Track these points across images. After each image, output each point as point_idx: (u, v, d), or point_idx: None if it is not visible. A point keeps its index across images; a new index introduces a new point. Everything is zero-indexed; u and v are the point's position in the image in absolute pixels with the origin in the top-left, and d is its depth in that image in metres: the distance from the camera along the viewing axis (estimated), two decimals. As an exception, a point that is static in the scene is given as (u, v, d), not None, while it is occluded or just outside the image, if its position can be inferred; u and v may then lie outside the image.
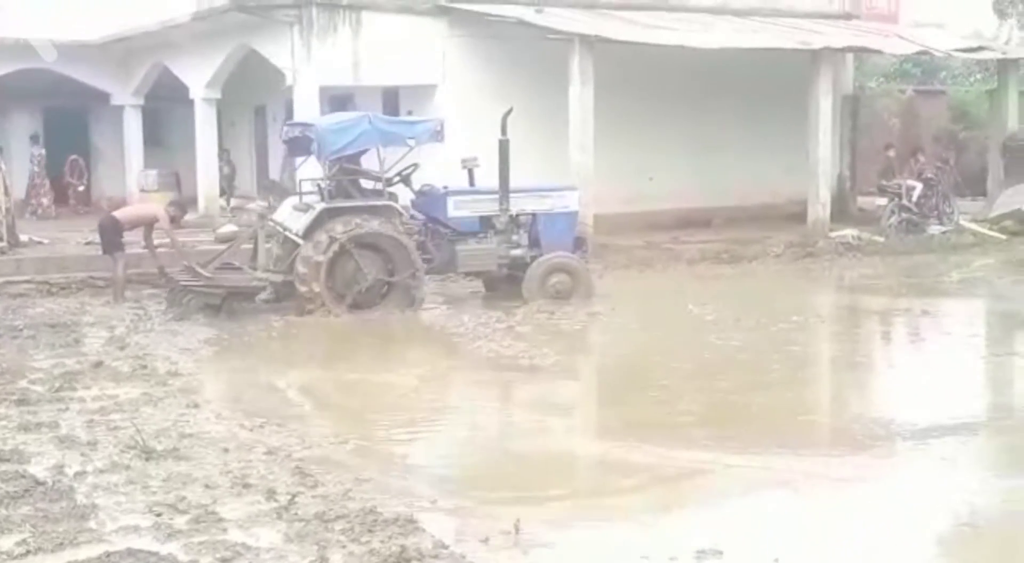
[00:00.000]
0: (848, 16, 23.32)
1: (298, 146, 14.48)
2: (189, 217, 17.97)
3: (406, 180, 14.28)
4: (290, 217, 13.83)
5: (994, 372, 11.15)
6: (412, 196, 14.53)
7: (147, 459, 7.39)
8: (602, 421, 9.60)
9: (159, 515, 6.30)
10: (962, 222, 20.55)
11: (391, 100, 21.46)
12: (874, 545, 6.18)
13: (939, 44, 22.32)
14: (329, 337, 12.74)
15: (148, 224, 14.72)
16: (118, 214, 14.82)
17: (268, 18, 19.08)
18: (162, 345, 11.83)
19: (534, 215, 14.71)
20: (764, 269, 17.57)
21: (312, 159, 14.00)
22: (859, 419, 9.18)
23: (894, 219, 20.52)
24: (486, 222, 14.49)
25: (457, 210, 14.38)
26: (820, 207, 20.16)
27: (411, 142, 13.89)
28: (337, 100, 22.60)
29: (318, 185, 13.92)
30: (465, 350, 11.89)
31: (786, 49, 19.92)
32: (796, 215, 20.60)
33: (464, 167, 14.70)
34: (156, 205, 14.46)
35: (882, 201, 21.60)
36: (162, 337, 12.32)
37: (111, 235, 14.57)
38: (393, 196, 13.99)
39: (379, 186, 13.98)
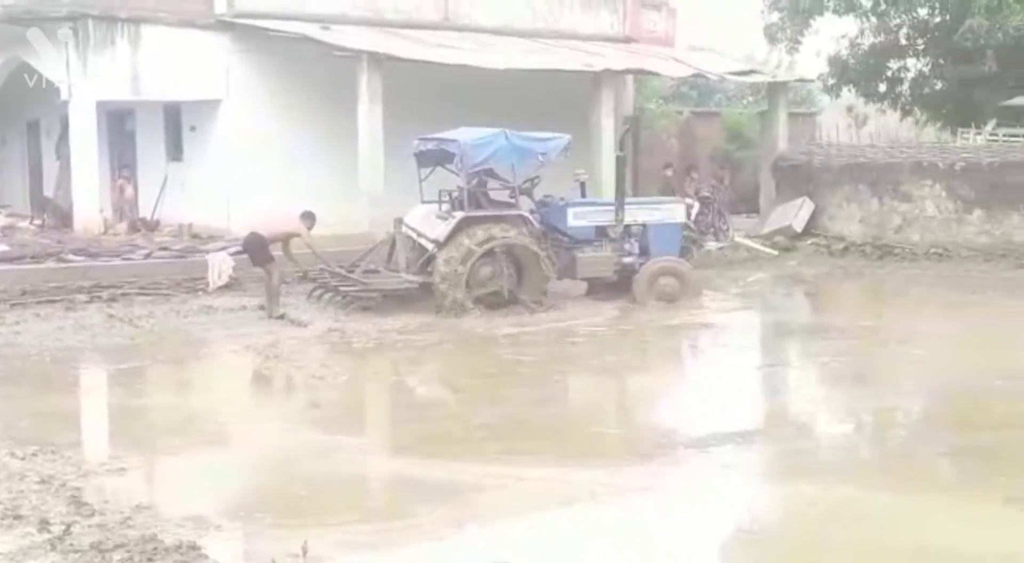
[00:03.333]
0: (627, 39, 24.03)
1: (428, 158, 15.57)
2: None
3: (528, 192, 15.50)
4: (424, 224, 14.97)
5: (768, 382, 11.64)
6: (532, 206, 15.52)
7: (-95, 494, 6.92)
8: (395, 438, 9.53)
9: (-81, 553, 5.91)
10: (737, 238, 21.37)
11: (173, 115, 20.90)
12: (661, 553, 6.34)
13: (713, 67, 23.23)
14: (121, 358, 12.25)
15: (288, 239, 15.07)
16: (263, 231, 14.99)
17: (42, 30, 18.27)
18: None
19: (644, 225, 15.68)
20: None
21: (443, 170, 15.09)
22: (645, 429, 9.45)
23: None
24: (601, 231, 15.56)
25: (576, 220, 15.49)
26: (604, 225, 20.62)
27: (542, 157, 15.00)
28: (116, 115, 21.89)
29: (449, 195, 15.02)
30: (255, 369, 11.63)
31: (569, 70, 20.36)
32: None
33: (576, 180, 16.17)
34: (295, 221, 14.87)
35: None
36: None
37: (258, 249, 14.83)
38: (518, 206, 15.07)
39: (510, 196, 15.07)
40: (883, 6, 24.42)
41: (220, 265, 16.39)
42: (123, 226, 20.24)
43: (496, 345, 12.89)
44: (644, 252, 15.63)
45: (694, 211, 21.58)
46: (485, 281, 14.46)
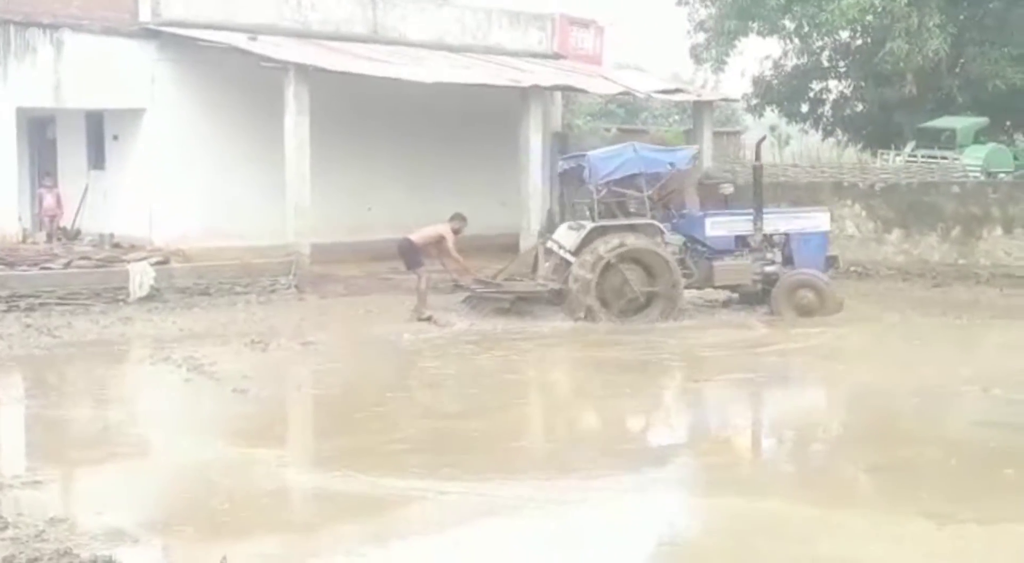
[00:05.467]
0: (556, 56, 24.19)
1: (571, 177, 16.24)
2: None
3: (667, 203, 15.94)
4: (564, 235, 15.58)
5: (693, 398, 11.73)
6: (672, 216, 16.01)
7: None
8: (316, 451, 9.46)
9: None
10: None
11: (95, 123, 20.58)
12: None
13: (640, 85, 23.46)
14: (38, 369, 12.01)
15: (437, 242, 15.52)
16: (414, 237, 15.56)
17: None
18: None
19: (787, 234, 15.92)
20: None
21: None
22: (569, 443, 9.48)
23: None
24: (741, 241, 15.84)
25: (714, 230, 15.79)
26: (532, 239, 20.72)
27: (670, 167, 15.50)
28: (37, 122, 21.51)
29: (587, 207, 15.48)
30: (174, 380, 11.46)
31: (498, 85, 20.43)
32: (509, 246, 21.10)
33: (721, 192, 16.65)
34: (443, 226, 15.52)
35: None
36: None
37: (410, 254, 15.50)
38: (656, 216, 15.51)
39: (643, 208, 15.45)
40: (806, 28, 24.85)
41: (141, 275, 16.18)
42: (42, 235, 19.87)
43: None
44: (788, 262, 15.80)
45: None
46: (618, 288, 14.87)
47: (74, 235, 20.26)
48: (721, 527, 7.18)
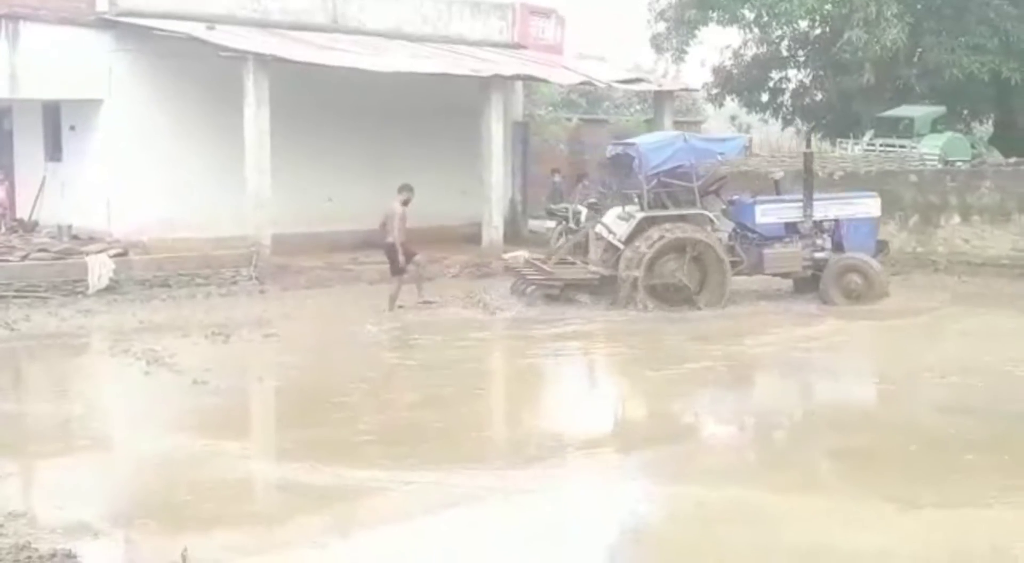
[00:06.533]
0: (517, 46, 24.14)
1: (620, 163, 16.18)
2: None
3: (718, 191, 16.06)
4: (614, 223, 15.69)
5: (654, 387, 11.76)
6: (723, 205, 16.14)
7: None
8: (279, 443, 9.42)
9: None
10: (625, 244, 21.61)
11: (52, 114, 20.35)
12: (547, 556, 6.38)
13: (601, 75, 23.47)
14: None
15: (402, 224, 15.21)
16: (391, 239, 15.28)
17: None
18: None
19: (837, 220, 16.00)
20: (441, 288, 17.79)
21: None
22: (531, 433, 9.49)
23: (562, 241, 21.38)
24: (791, 227, 15.92)
25: (764, 217, 15.92)
26: (494, 230, 20.72)
27: (721, 157, 15.89)
28: (-9, 113, 21.24)
29: (637, 196, 15.57)
30: (135, 372, 11.37)
31: (459, 75, 20.38)
32: (471, 237, 21.08)
33: (772, 178, 16.87)
34: (395, 204, 15.25)
35: (551, 224, 22.45)
36: None
37: (395, 256, 15.27)
38: (709, 205, 15.68)
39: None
40: (765, 18, 24.96)
41: (100, 267, 16.04)
42: (-1, 227, 19.67)
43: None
44: (838, 248, 15.89)
45: (582, 217, 21.78)
46: (666, 278, 15.03)
47: (32, 227, 20.03)
48: (685, 515, 7.23)
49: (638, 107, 34.64)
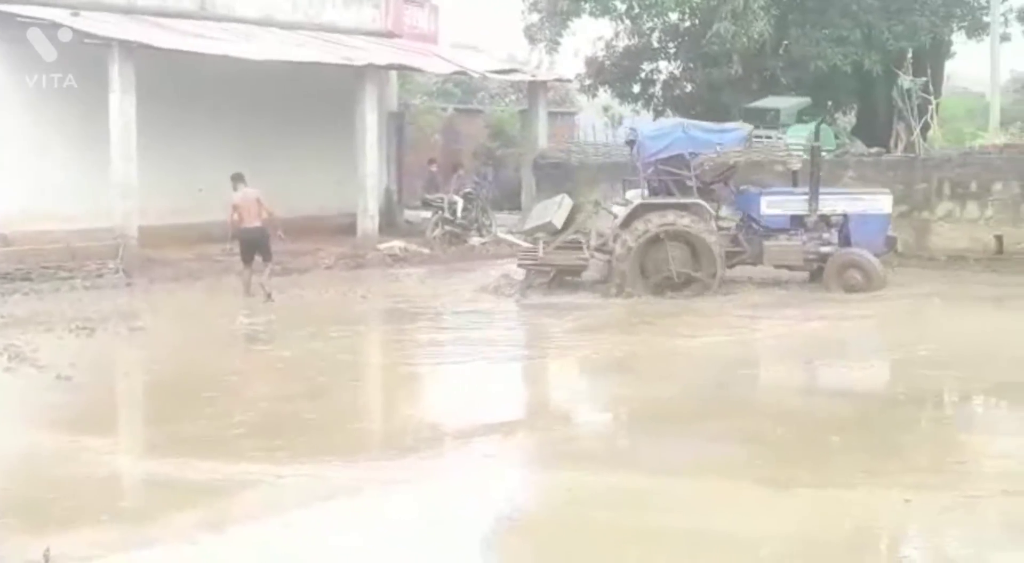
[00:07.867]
0: (390, 35, 24.01)
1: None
2: None
3: (726, 181, 16.07)
4: (620, 209, 15.72)
5: (527, 374, 11.85)
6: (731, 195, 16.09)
7: None
8: (147, 438, 9.20)
9: None
10: (500, 234, 21.67)
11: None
12: (423, 545, 6.37)
13: (475, 65, 23.51)
14: None
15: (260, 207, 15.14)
16: (260, 222, 15.21)
17: None
18: None
19: (845, 215, 15.78)
20: (315, 279, 17.63)
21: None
22: (406, 423, 9.45)
23: (438, 231, 21.40)
24: (797, 220, 15.79)
25: (769, 208, 15.86)
26: (369, 219, 20.61)
27: (719, 148, 15.63)
28: None
29: (646, 182, 15.64)
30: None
31: (332, 64, 20.18)
32: (346, 227, 20.92)
33: (789, 167, 16.64)
34: (250, 190, 15.22)
35: (427, 214, 22.43)
36: None
37: (265, 242, 15.28)
38: (712, 194, 15.75)
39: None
40: (636, 10, 25.22)
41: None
42: None
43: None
44: (846, 243, 15.76)
45: (458, 207, 21.83)
46: (659, 264, 15.07)
47: None
48: (561, 500, 7.28)
49: (513, 97, 34.74)
